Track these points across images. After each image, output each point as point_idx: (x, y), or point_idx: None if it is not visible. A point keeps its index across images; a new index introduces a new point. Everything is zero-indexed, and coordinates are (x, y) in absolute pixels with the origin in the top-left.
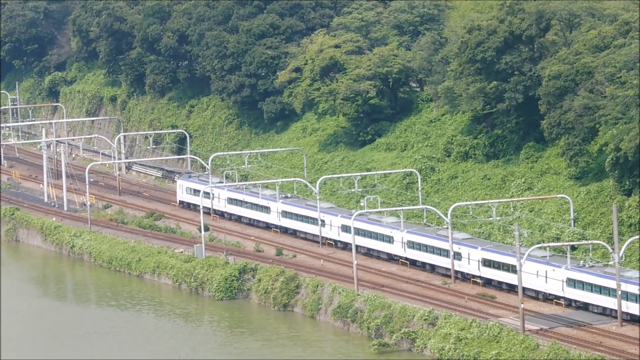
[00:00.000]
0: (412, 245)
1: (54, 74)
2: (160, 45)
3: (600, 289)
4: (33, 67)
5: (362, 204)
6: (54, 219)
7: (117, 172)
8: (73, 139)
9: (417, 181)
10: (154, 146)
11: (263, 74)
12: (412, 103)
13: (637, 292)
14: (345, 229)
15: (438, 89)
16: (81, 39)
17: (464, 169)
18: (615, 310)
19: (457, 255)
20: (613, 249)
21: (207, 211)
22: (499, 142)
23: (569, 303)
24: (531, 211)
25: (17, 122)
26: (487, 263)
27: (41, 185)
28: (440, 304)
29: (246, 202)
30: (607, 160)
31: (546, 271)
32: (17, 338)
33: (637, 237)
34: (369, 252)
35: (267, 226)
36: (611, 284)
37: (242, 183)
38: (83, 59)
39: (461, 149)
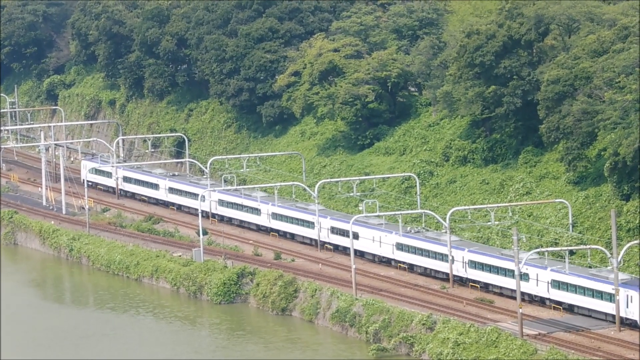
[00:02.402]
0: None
1: (52, 77)
2: (159, 48)
3: (422, 252)
4: (32, 70)
5: (360, 208)
6: (52, 222)
7: (116, 176)
8: (72, 142)
9: (416, 185)
10: (153, 150)
11: (262, 77)
12: (410, 107)
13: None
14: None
15: (437, 93)
16: (80, 42)
17: (463, 173)
18: (446, 273)
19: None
20: (611, 254)
21: (108, 190)
22: (498, 147)
23: (397, 265)
24: (529, 216)
25: (16, 125)
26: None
27: (40, 189)
28: (438, 309)
29: (139, 180)
30: (606, 165)
31: (380, 237)
32: (16, 340)
33: (636, 242)
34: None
35: (156, 201)
36: (430, 246)
37: (243, 187)
38: (82, 62)
39: (460, 153)
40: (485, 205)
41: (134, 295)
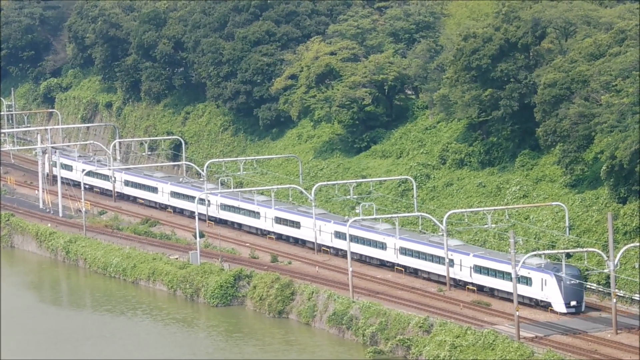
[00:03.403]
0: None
1: (49, 80)
2: (155, 51)
3: (358, 239)
4: (29, 73)
5: (357, 211)
6: (49, 225)
7: (113, 178)
8: (68, 145)
9: (413, 188)
10: (150, 153)
11: (259, 80)
12: (407, 110)
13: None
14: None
15: (433, 97)
16: (77, 45)
17: (459, 176)
18: (388, 262)
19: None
20: (608, 257)
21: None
22: (494, 150)
23: (336, 252)
24: (526, 219)
25: (13, 128)
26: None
27: (36, 192)
28: (435, 312)
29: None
30: (603, 168)
31: (320, 226)
32: (14, 342)
33: (632, 245)
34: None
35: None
36: (366, 234)
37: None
38: (79, 65)
39: (456, 156)
40: (482, 208)
41: (131, 298)
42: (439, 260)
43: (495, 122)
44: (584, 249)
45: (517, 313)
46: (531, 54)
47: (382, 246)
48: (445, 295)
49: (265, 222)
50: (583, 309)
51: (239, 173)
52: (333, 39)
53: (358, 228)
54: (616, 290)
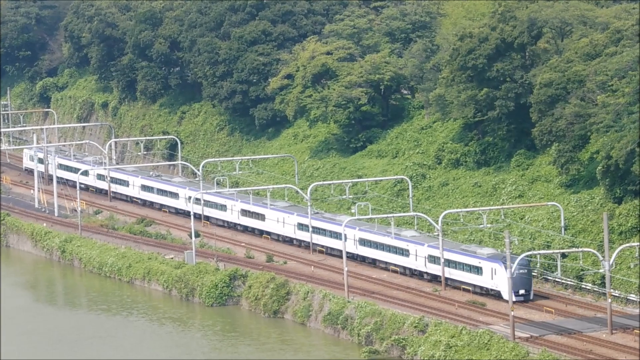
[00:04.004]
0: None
1: (45, 80)
2: (151, 51)
3: (319, 231)
4: (24, 72)
5: (353, 211)
6: (44, 224)
7: (109, 178)
8: (64, 145)
9: (408, 188)
10: (145, 152)
11: (255, 80)
12: (403, 110)
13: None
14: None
15: (429, 96)
16: (73, 45)
17: (455, 176)
18: (339, 250)
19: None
20: (603, 257)
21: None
22: (490, 150)
23: (299, 244)
24: (522, 219)
25: (8, 127)
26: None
27: (32, 191)
28: (430, 311)
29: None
30: (598, 168)
31: (284, 218)
32: (10, 341)
33: (628, 245)
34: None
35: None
36: (327, 226)
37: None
38: (75, 65)
39: (452, 156)
40: (477, 208)
41: (126, 298)
42: (396, 251)
43: (491, 122)
44: (580, 249)
45: (512, 313)
46: (527, 53)
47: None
48: (441, 295)
49: (232, 215)
50: (531, 297)
51: (234, 173)
52: (329, 39)
53: (320, 220)
54: (611, 290)
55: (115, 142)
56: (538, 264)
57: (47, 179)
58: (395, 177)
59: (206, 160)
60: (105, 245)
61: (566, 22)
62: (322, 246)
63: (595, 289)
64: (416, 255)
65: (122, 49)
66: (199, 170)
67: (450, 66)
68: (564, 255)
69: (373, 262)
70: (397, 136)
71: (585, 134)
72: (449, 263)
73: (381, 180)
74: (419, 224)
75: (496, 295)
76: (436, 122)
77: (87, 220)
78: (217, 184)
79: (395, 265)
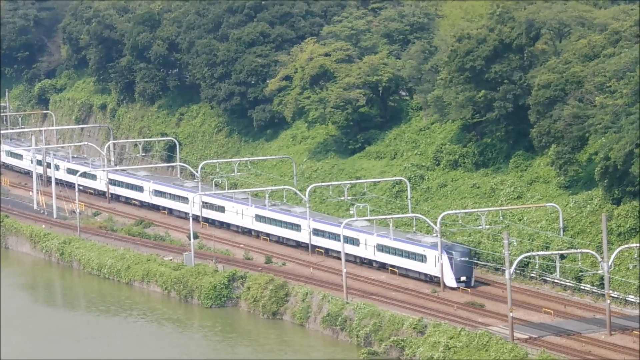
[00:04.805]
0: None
1: (43, 82)
2: (150, 53)
3: (276, 222)
4: (23, 74)
5: (351, 212)
6: (43, 226)
7: (107, 180)
8: (62, 147)
9: (407, 189)
10: (144, 154)
11: (253, 82)
12: (401, 111)
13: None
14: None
15: (427, 98)
16: (71, 47)
17: (454, 177)
18: (304, 243)
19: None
20: (602, 258)
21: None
22: (489, 151)
23: (257, 235)
24: (520, 220)
25: (7, 129)
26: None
27: (30, 193)
28: (429, 313)
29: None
30: (597, 169)
31: (242, 210)
32: (8, 343)
33: (627, 246)
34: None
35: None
36: (283, 217)
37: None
38: (73, 67)
39: (450, 157)
40: (476, 210)
41: (125, 299)
42: (347, 240)
43: (489, 123)
44: (578, 250)
45: (511, 314)
46: (525, 55)
47: (297, 228)
48: (439, 297)
49: (194, 207)
50: (472, 283)
51: (233, 174)
52: (327, 40)
53: (276, 211)
54: (610, 291)
55: (114, 144)
56: (537, 265)
57: (46, 180)
58: (393, 178)
59: (204, 162)
60: (104, 246)
61: (564, 24)
62: (278, 237)
63: (594, 290)
64: (366, 244)
65: (121, 51)
66: (197, 172)
67: (448, 67)
68: (562, 257)
69: (327, 252)
70: (396, 137)
71: (583, 135)
72: (395, 251)
73: (380, 181)
74: (417, 225)
75: (439, 282)
76: (434, 124)
77: (86, 222)
78: (216, 185)
79: (346, 254)
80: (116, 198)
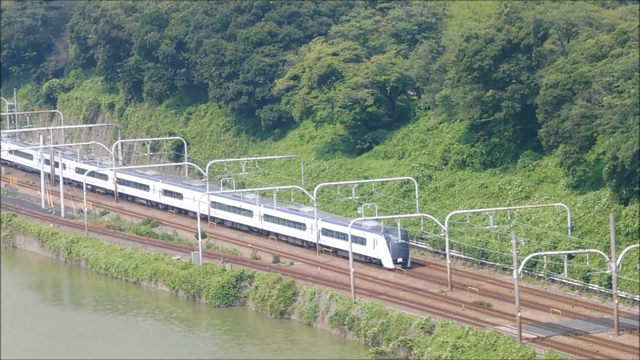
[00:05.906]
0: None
1: (51, 81)
2: (158, 52)
3: (229, 208)
4: (31, 73)
5: (359, 212)
6: (51, 225)
7: (115, 179)
8: (70, 146)
9: (415, 189)
10: (152, 153)
11: (261, 81)
12: (409, 111)
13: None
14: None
15: (435, 97)
16: (79, 46)
17: (461, 177)
18: (255, 228)
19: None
20: (610, 258)
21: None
22: (496, 151)
23: (213, 219)
24: (528, 220)
25: (15, 128)
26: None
27: (38, 192)
28: (437, 312)
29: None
30: (605, 169)
31: (194, 196)
32: (15, 341)
33: (634, 246)
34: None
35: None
36: (235, 203)
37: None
38: (81, 66)
39: (458, 157)
40: (484, 209)
41: (133, 298)
42: (295, 225)
43: (497, 123)
44: (586, 250)
45: (519, 314)
46: (533, 55)
47: (250, 214)
48: (447, 296)
49: (154, 194)
50: (409, 265)
51: (240, 174)
52: (335, 40)
53: (229, 198)
54: (618, 291)
55: (122, 143)
56: (545, 265)
57: (54, 179)
58: (401, 178)
59: (212, 161)
60: (112, 246)
61: (572, 24)
62: (232, 222)
63: (602, 290)
64: (312, 228)
65: (128, 50)
66: (205, 171)
67: (456, 67)
68: (570, 256)
69: (277, 237)
70: (403, 137)
71: (591, 135)
72: (338, 235)
73: (387, 181)
74: (425, 225)
75: (377, 264)
76: (442, 123)
77: (94, 221)
78: (224, 185)
79: (294, 238)
80: (125, 197)
